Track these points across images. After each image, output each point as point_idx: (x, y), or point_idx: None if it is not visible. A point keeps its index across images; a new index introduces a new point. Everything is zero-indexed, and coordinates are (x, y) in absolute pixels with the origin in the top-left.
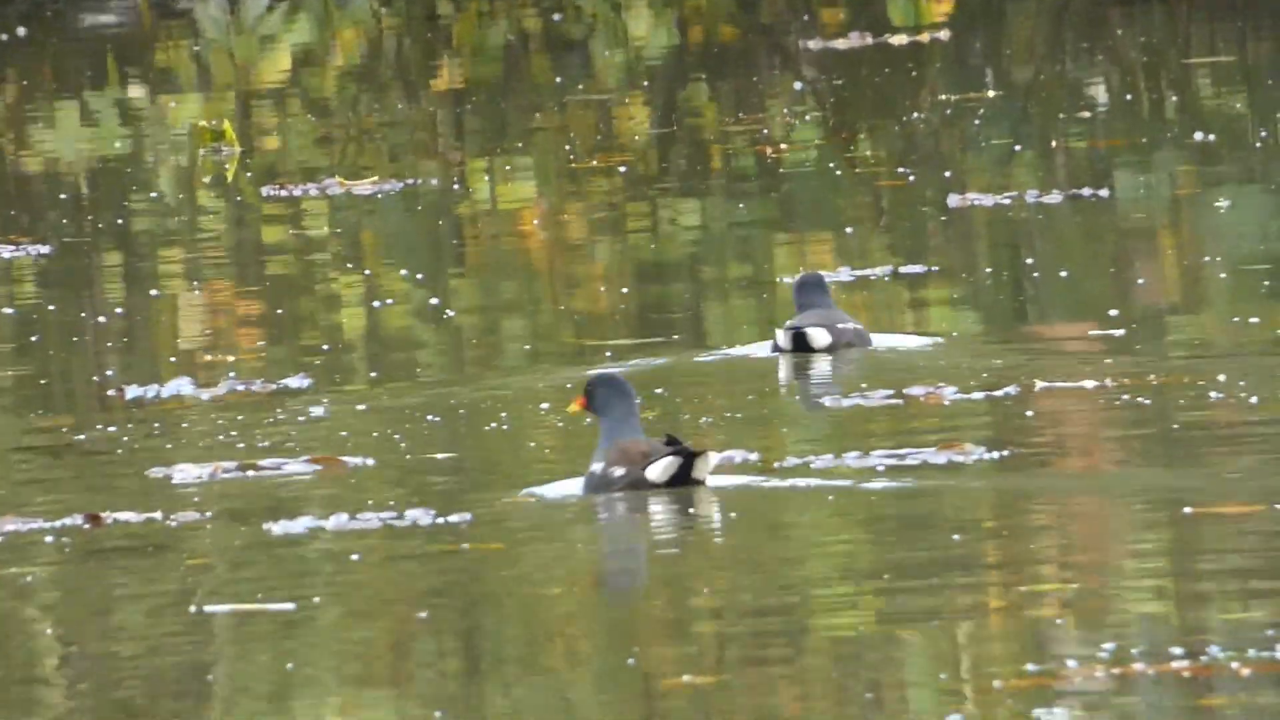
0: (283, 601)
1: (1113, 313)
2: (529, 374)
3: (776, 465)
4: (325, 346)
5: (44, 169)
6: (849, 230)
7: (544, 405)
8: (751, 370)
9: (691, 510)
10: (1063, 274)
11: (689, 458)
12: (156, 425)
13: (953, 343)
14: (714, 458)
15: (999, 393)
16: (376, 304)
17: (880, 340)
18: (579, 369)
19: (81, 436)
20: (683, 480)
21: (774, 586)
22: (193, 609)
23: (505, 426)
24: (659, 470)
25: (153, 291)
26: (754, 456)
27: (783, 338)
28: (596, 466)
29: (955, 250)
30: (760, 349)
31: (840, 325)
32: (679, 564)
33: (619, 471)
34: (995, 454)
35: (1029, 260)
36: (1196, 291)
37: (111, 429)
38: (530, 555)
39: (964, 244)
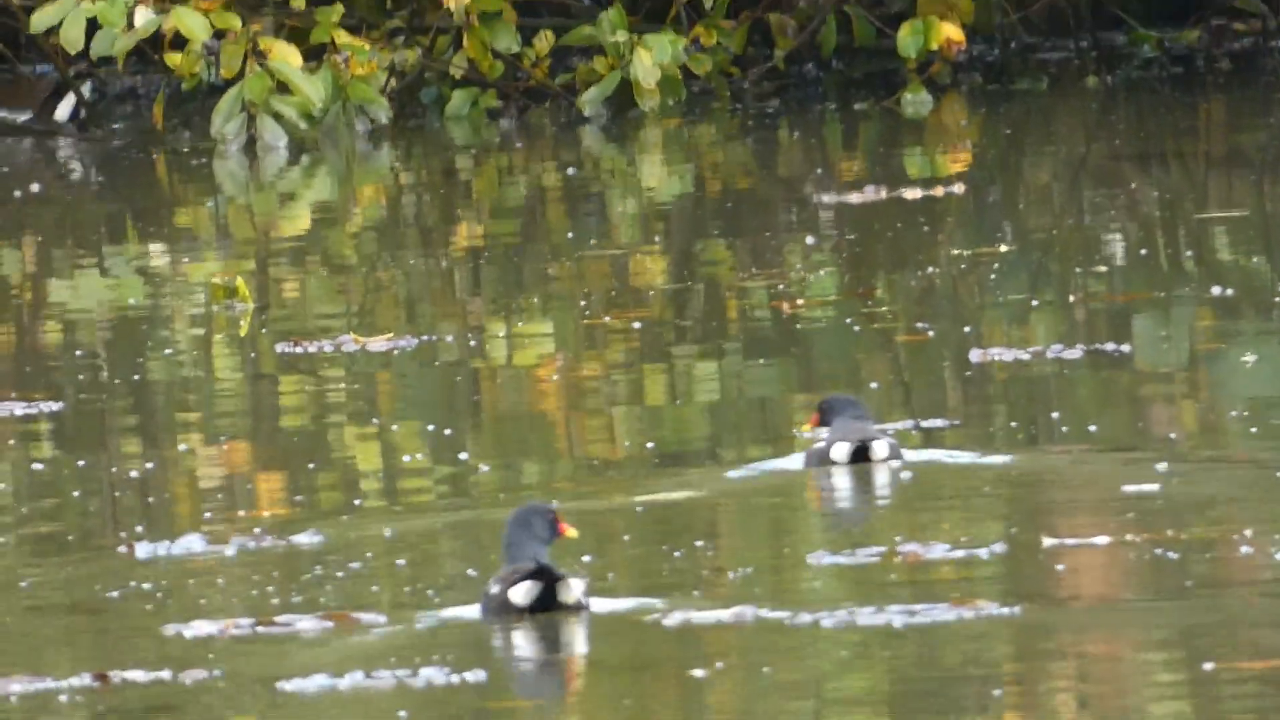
0: None
1: (1142, 465)
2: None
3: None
4: (342, 500)
5: (60, 326)
6: (872, 386)
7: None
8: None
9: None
10: (1091, 428)
11: (550, 581)
12: (165, 583)
13: (979, 495)
14: (578, 585)
15: (1011, 548)
16: (391, 459)
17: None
18: (593, 507)
19: (93, 594)
20: (547, 606)
21: None
22: None
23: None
24: (520, 593)
25: (164, 448)
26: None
27: (841, 450)
28: (493, 588)
29: (979, 405)
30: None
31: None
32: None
33: (495, 588)
34: (1009, 610)
35: (1055, 415)
36: (1225, 444)
37: (123, 587)
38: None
39: (988, 399)
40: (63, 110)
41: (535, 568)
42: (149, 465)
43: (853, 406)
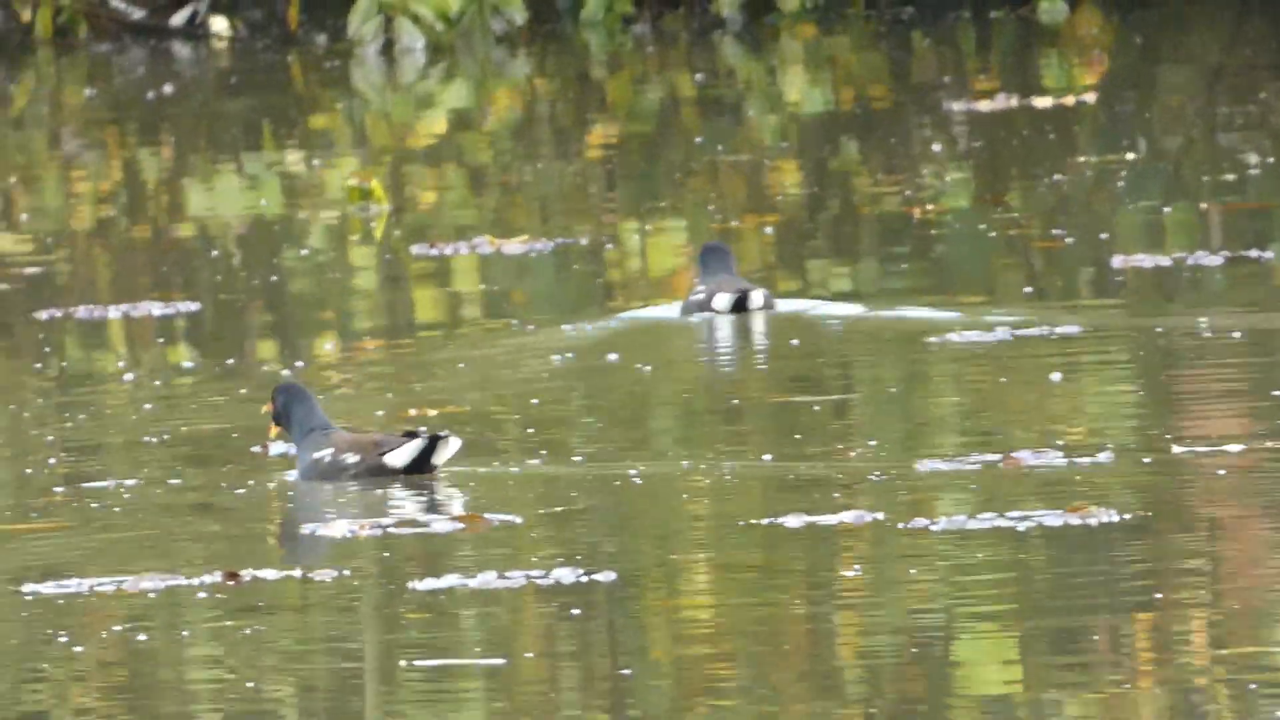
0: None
1: None
2: (676, 439)
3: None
4: (477, 402)
5: (197, 228)
6: (1006, 289)
7: (688, 461)
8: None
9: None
10: (1235, 335)
11: (432, 442)
12: (298, 484)
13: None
14: (455, 443)
15: (1148, 458)
16: (525, 362)
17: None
18: (723, 429)
19: (226, 494)
20: (421, 467)
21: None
22: (402, 663)
23: (647, 483)
24: (403, 455)
25: (299, 348)
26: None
27: (723, 300)
28: (323, 454)
29: (1120, 311)
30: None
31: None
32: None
33: (352, 458)
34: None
35: (1202, 320)
36: None
37: (256, 487)
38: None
39: (1128, 304)
40: (179, 16)
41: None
42: (284, 365)
43: (720, 255)
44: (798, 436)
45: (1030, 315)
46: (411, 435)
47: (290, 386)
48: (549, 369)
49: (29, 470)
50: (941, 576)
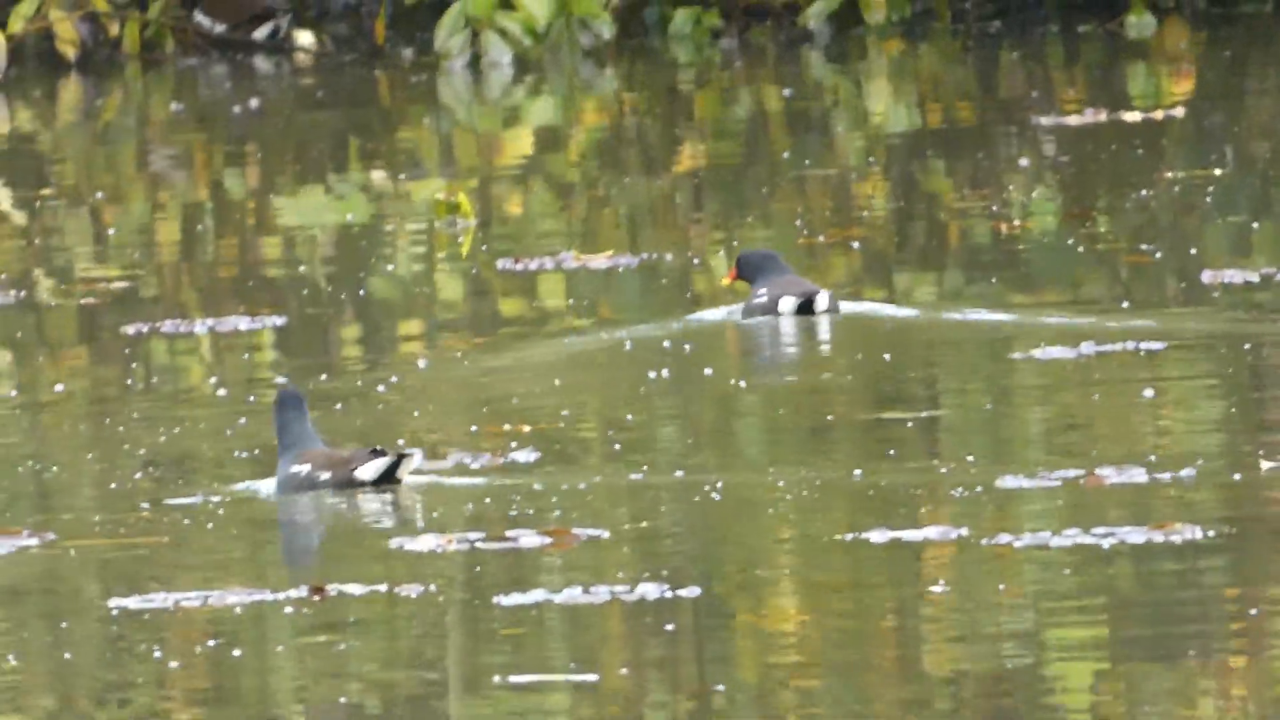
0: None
1: None
2: (761, 453)
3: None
4: (562, 416)
5: (283, 242)
6: (1093, 304)
7: (772, 475)
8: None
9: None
10: None
11: (398, 459)
12: (386, 498)
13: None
14: (418, 458)
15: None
16: (609, 378)
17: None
18: (805, 446)
19: (313, 508)
20: (388, 479)
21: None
22: (497, 680)
23: (731, 496)
24: (370, 470)
25: (385, 362)
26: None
27: (788, 303)
28: (299, 469)
29: (1208, 326)
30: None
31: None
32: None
33: (324, 474)
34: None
35: None
36: None
37: (343, 501)
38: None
39: (1217, 320)
40: (262, 31)
41: (381, 450)
42: (370, 379)
43: (775, 261)
44: (881, 449)
45: (1117, 330)
46: (377, 453)
47: (287, 397)
48: (632, 379)
49: (117, 485)
50: (1027, 593)
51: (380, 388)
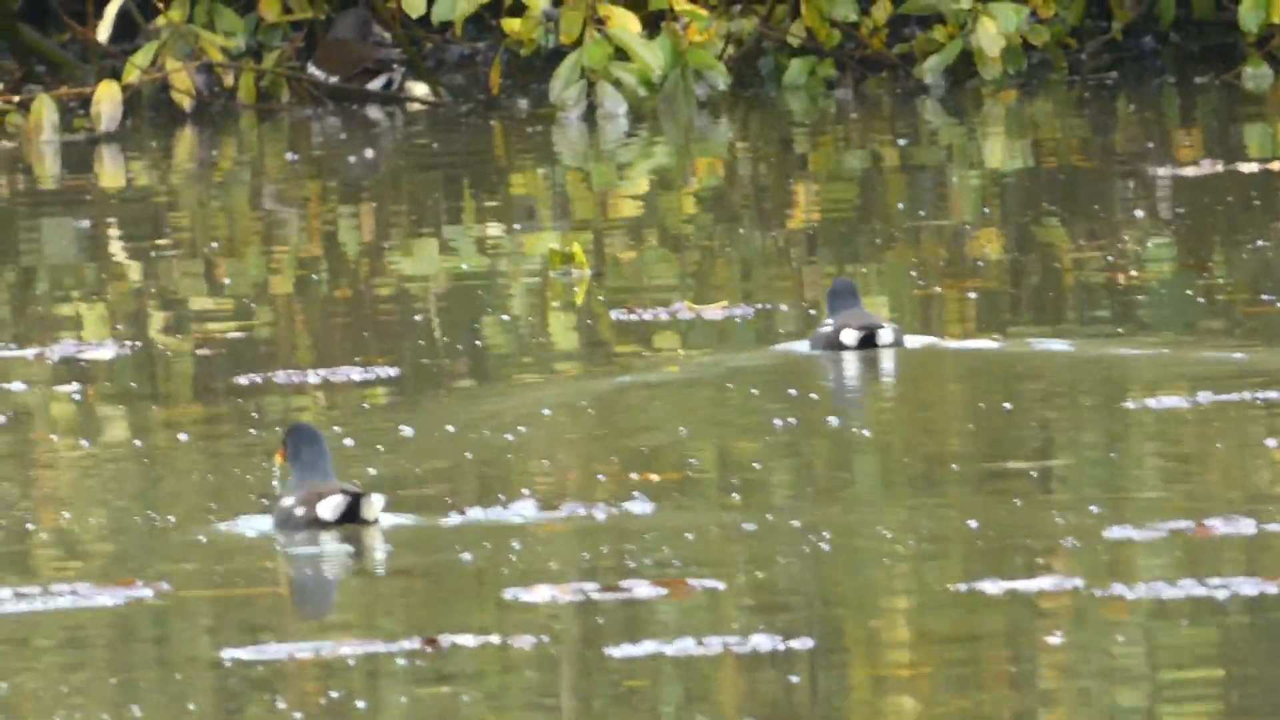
0: None
1: None
2: (879, 501)
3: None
4: (676, 467)
5: (397, 292)
6: (1211, 353)
7: (884, 533)
8: None
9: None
10: None
11: (355, 498)
12: (496, 547)
13: None
14: (378, 500)
15: None
16: (724, 427)
17: None
18: (917, 497)
19: (426, 557)
20: (352, 519)
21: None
22: None
23: (844, 543)
24: (328, 509)
25: (499, 412)
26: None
27: (851, 335)
28: (288, 502)
29: None
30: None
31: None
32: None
33: (301, 510)
34: None
35: None
36: None
37: (455, 550)
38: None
39: None
40: (376, 82)
41: (346, 488)
42: (484, 430)
43: (849, 292)
44: (992, 496)
45: (1235, 379)
46: (345, 492)
47: (300, 429)
48: (743, 424)
49: (232, 534)
50: (1143, 644)
51: (508, 436)
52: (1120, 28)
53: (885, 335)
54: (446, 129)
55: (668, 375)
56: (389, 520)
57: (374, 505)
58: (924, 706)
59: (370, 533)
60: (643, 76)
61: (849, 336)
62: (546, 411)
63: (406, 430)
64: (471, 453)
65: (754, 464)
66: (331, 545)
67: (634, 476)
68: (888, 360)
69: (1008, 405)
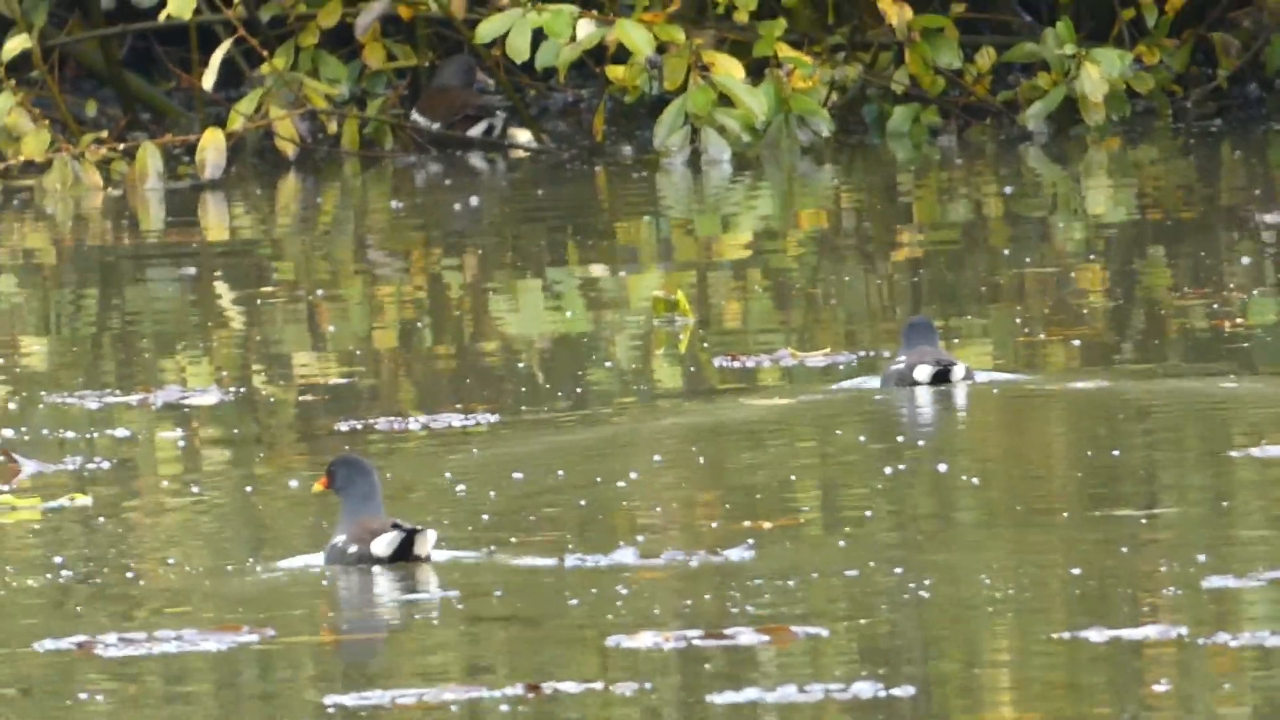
0: None
1: None
2: (980, 543)
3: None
4: (779, 515)
5: (500, 339)
6: None
7: (984, 578)
8: None
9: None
10: None
11: (410, 534)
12: (599, 592)
13: None
14: (432, 536)
15: None
16: (829, 474)
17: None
18: (1016, 541)
19: (527, 604)
20: (404, 556)
21: None
22: None
23: (946, 590)
24: (382, 545)
25: (602, 461)
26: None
27: (924, 371)
28: (339, 539)
29: None
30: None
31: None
32: None
33: (354, 548)
34: None
35: None
36: None
37: (563, 596)
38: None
39: None
40: (477, 129)
41: (398, 524)
42: (586, 478)
43: (924, 329)
44: (1094, 543)
45: None
46: (397, 527)
47: (350, 461)
48: (844, 468)
49: (335, 577)
50: (1248, 692)
51: (586, 478)
52: (1225, 75)
53: (958, 372)
54: (550, 176)
55: (769, 417)
56: (497, 564)
57: (427, 541)
58: None
59: (474, 577)
60: (746, 122)
61: (922, 373)
62: (657, 458)
63: (517, 475)
64: (574, 500)
65: (857, 510)
66: (436, 590)
67: (747, 524)
68: (977, 399)
69: (1115, 451)
